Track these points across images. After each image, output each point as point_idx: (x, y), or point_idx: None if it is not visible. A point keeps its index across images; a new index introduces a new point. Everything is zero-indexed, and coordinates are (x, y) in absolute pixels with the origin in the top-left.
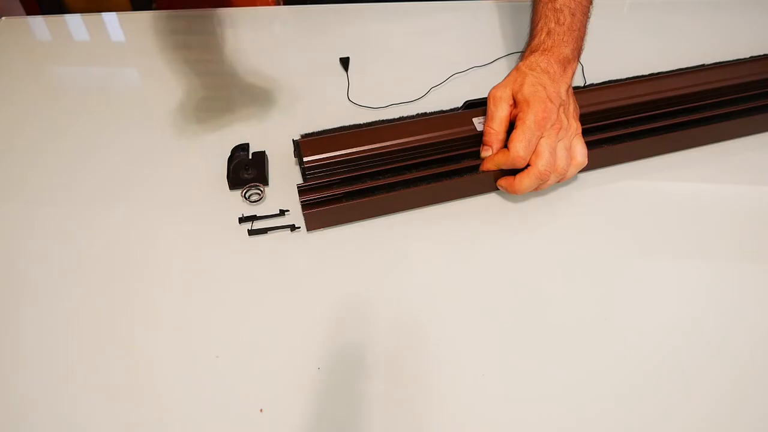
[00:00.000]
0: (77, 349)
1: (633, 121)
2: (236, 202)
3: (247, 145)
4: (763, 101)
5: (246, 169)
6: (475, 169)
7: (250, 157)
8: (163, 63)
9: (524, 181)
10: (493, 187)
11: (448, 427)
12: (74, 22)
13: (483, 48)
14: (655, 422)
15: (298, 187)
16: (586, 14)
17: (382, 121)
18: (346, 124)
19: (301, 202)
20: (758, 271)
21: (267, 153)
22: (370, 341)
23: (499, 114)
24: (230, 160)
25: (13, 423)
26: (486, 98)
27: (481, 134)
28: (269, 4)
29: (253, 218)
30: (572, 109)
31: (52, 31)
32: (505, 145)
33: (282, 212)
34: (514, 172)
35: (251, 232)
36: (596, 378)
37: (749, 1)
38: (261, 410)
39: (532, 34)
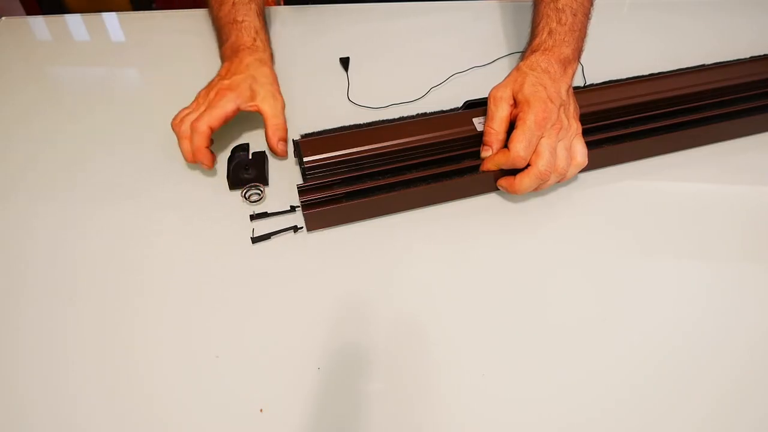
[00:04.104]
0: (77, 349)
1: (633, 121)
2: (236, 203)
3: (247, 145)
4: (763, 101)
5: (246, 169)
6: (476, 169)
7: (250, 157)
8: (163, 63)
9: (524, 181)
10: (493, 187)
11: (448, 427)
12: (74, 22)
13: (483, 48)
14: (655, 422)
15: (298, 188)
16: (587, 15)
17: (382, 121)
18: (346, 124)
19: (302, 202)
20: (759, 271)
21: (267, 153)
22: (370, 341)
23: (500, 114)
24: (230, 160)
25: (13, 423)
26: (486, 98)
27: (481, 134)
28: (269, 4)
29: (263, 215)
30: (572, 109)
31: (52, 31)
32: (506, 145)
33: (292, 209)
34: (514, 172)
35: (254, 240)
36: (596, 378)
37: (749, 1)
38: (261, 410)
39: (533, 34)
